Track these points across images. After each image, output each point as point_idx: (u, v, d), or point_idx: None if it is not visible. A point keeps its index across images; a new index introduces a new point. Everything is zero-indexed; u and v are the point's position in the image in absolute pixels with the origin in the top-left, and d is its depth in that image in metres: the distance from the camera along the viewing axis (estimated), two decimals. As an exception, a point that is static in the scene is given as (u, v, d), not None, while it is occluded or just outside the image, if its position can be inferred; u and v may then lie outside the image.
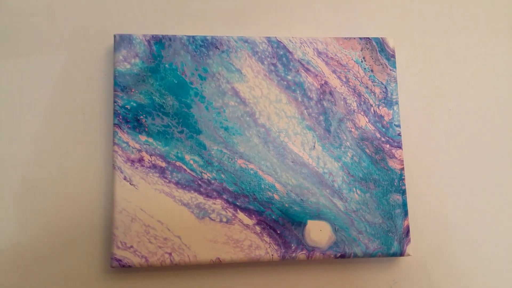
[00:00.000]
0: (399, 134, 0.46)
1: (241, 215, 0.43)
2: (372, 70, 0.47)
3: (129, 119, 0.44)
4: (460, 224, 0.48)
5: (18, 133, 0.45)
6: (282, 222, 0.44)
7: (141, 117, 0.44)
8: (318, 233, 0.44)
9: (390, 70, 0.47)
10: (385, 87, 0.47)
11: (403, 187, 0.46)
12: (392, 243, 0.45)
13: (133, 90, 0.44)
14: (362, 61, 0.47)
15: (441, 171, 0.48)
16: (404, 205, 0.45)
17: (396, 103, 0.47)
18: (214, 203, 0.43)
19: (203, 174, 0.44)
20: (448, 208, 0.48)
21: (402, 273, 0.46)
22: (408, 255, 0.45)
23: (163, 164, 0.43)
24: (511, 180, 0.49)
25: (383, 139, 0.46)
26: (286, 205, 0.44)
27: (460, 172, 0.49)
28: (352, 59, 0.47)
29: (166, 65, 0.45)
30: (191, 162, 0.44)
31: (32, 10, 0.47)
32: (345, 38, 0.47)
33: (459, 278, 0.47)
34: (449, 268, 0.47)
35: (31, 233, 0.43)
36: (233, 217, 0.43)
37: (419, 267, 0.47)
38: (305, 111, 0.46)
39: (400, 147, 0.46)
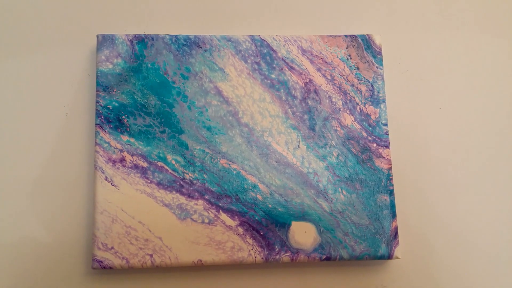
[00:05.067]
0: (387, 133, 0.45)
1: (223, 216, 0.43)
2: (358, 68, 0.46)
3: (111, 119, 0.43)
4: (450, 226, 0.46)
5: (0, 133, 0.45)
6: (265, 223, 0.43)
7: (123, 117, 0.43)
8: (303, 234, 0.43)
9: (377, 67, 0.46)
10: (372, 85, 0.46)
11: (391, 188, 0.44)
12: (379, 245, 0.43)
13: (115, 90, 0.44)
14: (347, 59, 0.46)
15: (430, 170, 0.47)
16: (392, 206, 0.44)
17: (383, 101, 0.46)
18: (196, 204, 0.43)
19: (185, 174, 0.43)
20: (438, 209, 0.46)
21: (390, 276, 0.45)
22: (397, 258, 0.43)
23: (145, 164, 0.43)
24: (503, 179, 0.47)
25: (369, 138, 0.45)
26: (270, 206, 0.43)
27: (450, 171, 0.47)
28: (337, 57, 0.46)
29: (149, 65, 0.44)
30: (173, 162, 0.43)
31: (15, 10, 0.47)
32: (330, 36, 0.46)
33: (450, 282, 0.45)
34: (439, 271, 0.45)
35: (10, 234, 0.43)
36: (215, 218, 0.42)
37: (408, 271, 0.45)
38: (289, 110, 0.45)
39: (387, 146, 0.45)
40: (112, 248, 0.41)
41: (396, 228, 0.44)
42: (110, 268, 0.41)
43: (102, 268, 0.41)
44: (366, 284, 0.45)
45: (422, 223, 0.46)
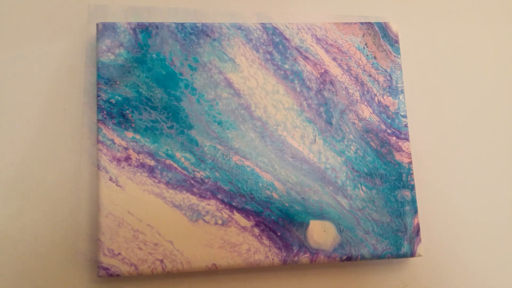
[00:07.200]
0: (406, 125, 0.43)
1: (237, 216, 0.40)
2: (375, 57, 0.44)
3: (114, 114, 0.40)
4: (473, 221, 0.45)
5: (-8, 132, 0.41)
6: (282, 223, 0.40)
7: (127, 111, 0.40)
8: (322, 234, 0.41)
9: (394, 56, 0.44)
10: (390, 75, 0.44)
11: (412, 182, 0.42)
12: (401, 243, 0.41)
13: (118, 83, 0.41)
14: (364, 48, 0.44)
15: (452, 164, 0.45)
16: (414, 201, 0.42)
17: (402, 92, 0.44)
18: (208, 204, 0.40)
19: (195, 172, 0.40)
20: (460, 204, 0.45)
21: (412, 275, 0.43)
22: (419, 255, 0.41)
23: (152, 163, 0.40)
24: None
25: (388, 130, 0.43)
26: (286, 204, 0.41)
27: (472, 165, 0.46)
28: (353, 46, 0.44)
29: (153, 55, 0.41)
30: (183, 159, 0.40)
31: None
32: (346, 23, 0.44)
33: (473, 280, 0.44)
34: (462, 269, 0.44)
35: (9, 239, 0.40)
36: (229, 219, 0.40)
37: (431, 269, 0.44)
38: (304, 102, 0.42)
39: (407, 139, 0.43)
40: (119, 254, 0.38)
41: (418, 225, 0.42)
42: (118, 275, 0.38)
43: (109, 276, 0.38)
44: (388, 283, 0.43)
45: (445, 219, 0.44)
